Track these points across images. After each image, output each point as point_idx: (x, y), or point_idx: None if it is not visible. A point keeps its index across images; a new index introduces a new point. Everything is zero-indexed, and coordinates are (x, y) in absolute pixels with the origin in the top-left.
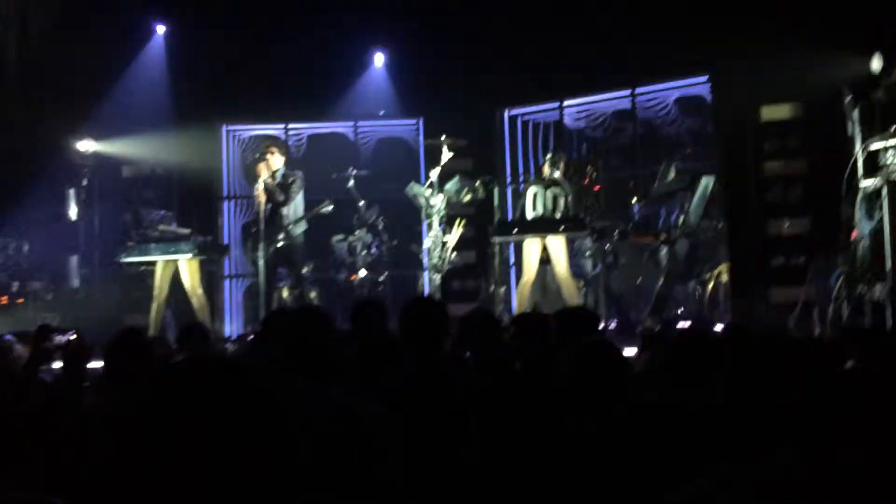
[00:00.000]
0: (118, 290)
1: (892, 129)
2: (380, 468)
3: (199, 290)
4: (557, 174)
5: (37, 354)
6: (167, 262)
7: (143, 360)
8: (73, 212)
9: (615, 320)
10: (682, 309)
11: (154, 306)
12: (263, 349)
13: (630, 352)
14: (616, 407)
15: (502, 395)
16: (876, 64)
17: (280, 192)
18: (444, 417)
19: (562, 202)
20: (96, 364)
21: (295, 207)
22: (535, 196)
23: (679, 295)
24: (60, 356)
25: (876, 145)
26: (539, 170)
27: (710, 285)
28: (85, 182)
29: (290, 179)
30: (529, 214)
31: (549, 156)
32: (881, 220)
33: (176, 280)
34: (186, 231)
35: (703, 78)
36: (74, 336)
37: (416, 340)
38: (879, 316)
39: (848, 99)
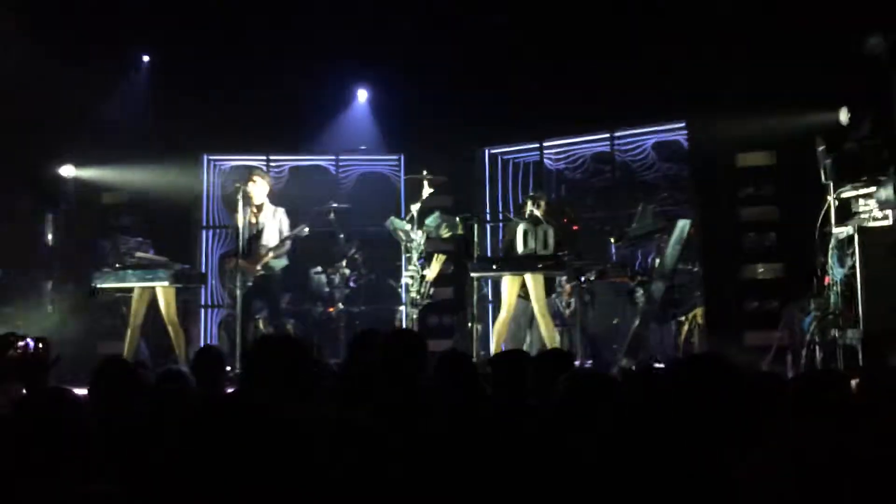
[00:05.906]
0: (90, 317)
1: (863, 179)
2: (382, 475)
3: (175, 319)
4: (538, 213)
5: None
6: (144, 289)
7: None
8: (50, 237)
9: (590, 360)
10: (657, 351)
11: (129, 333)
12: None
13: None
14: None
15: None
16: (843, 117)
17: (263, 223)
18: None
19: (551, 241)
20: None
21: (275, 239)
22: (525, 233)
23: (655, 336)
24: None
25: (847, 193)
26: (519, 208)
27: (686, 328)
28: (63, 207)
29: (273, 213)
30: (520, 250)
31: (531, 195)
32: (853, 266)
33: (151, 308)
34: (164, 259)
35: (680, 124)
36: (41, 343)
37: (395, 371)
38: (852, 360)
39: (821, 148)
